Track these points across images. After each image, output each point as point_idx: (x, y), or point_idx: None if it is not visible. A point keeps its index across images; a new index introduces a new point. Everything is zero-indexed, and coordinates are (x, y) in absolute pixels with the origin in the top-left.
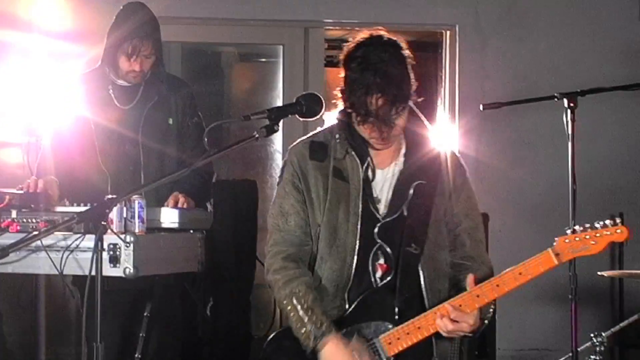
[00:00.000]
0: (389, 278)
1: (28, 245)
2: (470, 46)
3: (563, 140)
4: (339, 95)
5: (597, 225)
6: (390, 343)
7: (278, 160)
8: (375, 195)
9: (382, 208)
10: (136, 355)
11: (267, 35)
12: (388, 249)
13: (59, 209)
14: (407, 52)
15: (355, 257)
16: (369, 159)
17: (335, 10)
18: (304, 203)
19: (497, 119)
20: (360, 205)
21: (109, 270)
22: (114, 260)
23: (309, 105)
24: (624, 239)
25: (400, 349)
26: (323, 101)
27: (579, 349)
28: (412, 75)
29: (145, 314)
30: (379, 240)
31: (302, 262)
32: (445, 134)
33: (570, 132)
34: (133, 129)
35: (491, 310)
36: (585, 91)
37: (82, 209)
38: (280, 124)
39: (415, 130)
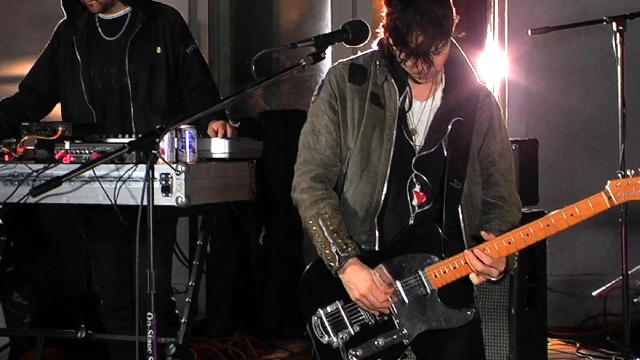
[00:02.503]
0: (426, 207)
1: (81, 175)
2: None
3: (613, 64)
4: (382, 31)
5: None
6: (436, 276)
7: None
8: (411, 126)
9: (418, 140)
10: (190, 283)
11: None
12: (426, 179)
13: (111, 139)
14: None
15: (386, 184)
16: (407, 88)
17: None
18: (337, 124)
19: (547, 44)
20: (395, 133)
21: (161, 200)
22: (166, 189)
23: (356, 31)
24: None
25: (447, 282)
26: (369, 28)
27: (629, 272)
28: (453, 11)
29: (198, 243)
30: (414, 170)
31: (329, 183)
32: (494, 61)
33: (619, 55)
34: (119, 60)
35: (516, 260)
36: (634, 14)
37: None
38: (328, 52)
39: (455, 66)
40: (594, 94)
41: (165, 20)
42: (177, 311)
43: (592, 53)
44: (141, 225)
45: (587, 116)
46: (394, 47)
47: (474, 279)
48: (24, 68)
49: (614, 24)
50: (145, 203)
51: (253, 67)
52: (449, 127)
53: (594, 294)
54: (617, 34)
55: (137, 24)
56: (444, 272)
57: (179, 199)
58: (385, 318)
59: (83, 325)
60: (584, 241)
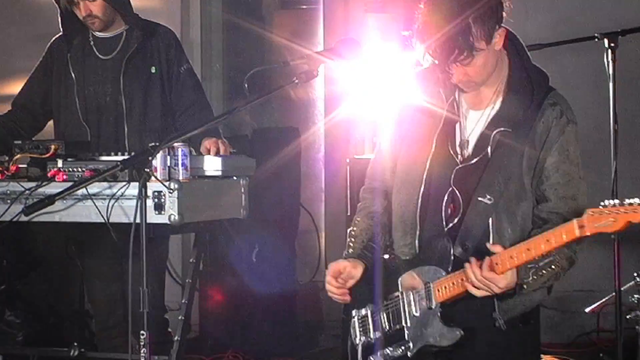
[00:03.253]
0: (453, 222)
1: (74, 193)
2: None
3: (605, 81)
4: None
5: (625, 202)
6: (439, 290)
7: (320, 107)
8: (462, 137)
9: (467, 152)
10: (182, 301)
11: None
12: (458, 193)
13: (104, 157)
14: None
15: (420, 198)
16: (453, 97)
17: None
18: (396, 141)
19: (539, 60)
20: (434, 145)
21: (153, 218)
22: (159, 207)
23: (348, 49)
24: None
25: (448, 297)
26: (361, 46)
27: (622, 289)
28: (483, 20)
29: (191, 261)
30: (452, 185)
31: (386, 193)
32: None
33: (611, 72)
34: (114, 78)
35: (531, 273)
36: (625, 31)
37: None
38: (321, 69)
39: (519, 72)
40: (585, 110)
41: (161, 40)
42: (169, 329)
43: (584, 70)
44: (134, 243)
45: (579, 133)
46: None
47: (475, 292)
48: (17, 86)
49: (606, 41)
50: (138, 221)
51: (246, 85)
52: (491, 136)
53: (587, 310)
54: (609, 51)
55: (132, 43)
56: (445, 288)
57: (172, 217)
58: (398, 327)
59: (76, 344)
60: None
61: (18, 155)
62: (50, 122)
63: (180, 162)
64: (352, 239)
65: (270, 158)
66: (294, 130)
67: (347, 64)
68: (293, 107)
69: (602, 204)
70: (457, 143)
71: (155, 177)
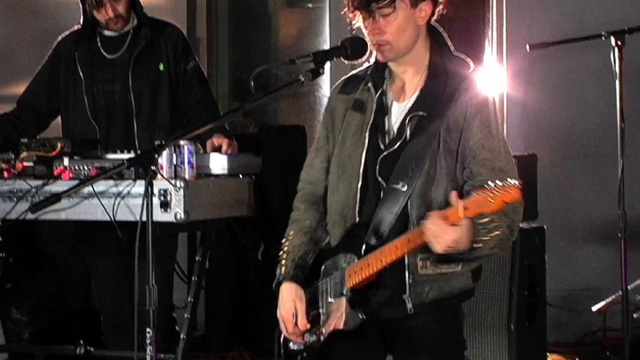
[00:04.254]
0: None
1: (80, 191)
2: None
3: (611, 79)
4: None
5: (500, 183)
6: (350, 275)
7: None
8: (388, 128)
9: (388, 141)
10: (188, 299)
11: None
12: (381, 180)
13: (110, 155)
14: None
15: (359, 190)
16: (381, 89)
17: None
18: (327, 139)
19: (545, 59)
20: (367, 136)
21: (159, 216)
22: (165, 205)
23: (354, 47)
24: (512, 199)
25: (359, 279)
26: (368, 43)
27: (629, 287)
28: None
29: (197, 259)
30: (378, 176)
31: (317, 197)
32: (493, 76)
33: (617, 70)
34: (122, 77)
35: (483, 238)
36: (632, 29)
37: (132, 155)
38: (327, 67)
39: (439, 63)
40: (592, 108)
41: (168, 38)
42: (177, 327)
43: (590, 68)
44: (141, 241)
45: (586, 131)
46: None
47: (434, 243)
48: (22, 85)
49: (613, 39)
50: (144, 219)
51: (252, 83)
52: (406, 122)
53: (593, 309)
54: (616, 49)
55: (140, 41)
56: (355, 273)
57: (178, 215)
58: (314, 313)
59: (82, 342)
60: (583, 256)
61: (24, 154)
62: (55, 121)
63: (186, 160)
64: (285, 255)
65: (276, 156)
66: (300, 128)
67: (353, 62)
68: (299, 105)
69: (485, 185)
70: (385, 134)
71: (162, 175)
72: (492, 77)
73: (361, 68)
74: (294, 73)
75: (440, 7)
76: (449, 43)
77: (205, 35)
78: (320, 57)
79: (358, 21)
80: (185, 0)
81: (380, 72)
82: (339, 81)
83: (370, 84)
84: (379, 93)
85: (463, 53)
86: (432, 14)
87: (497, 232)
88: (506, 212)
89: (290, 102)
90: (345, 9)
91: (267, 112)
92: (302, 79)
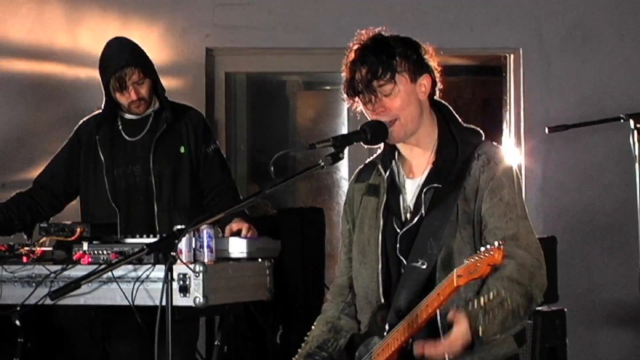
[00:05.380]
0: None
1: (99, 277)
2: (535, 68)
3: (631, 161)
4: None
5: (484, 247)
6: (375, 358)
7: (344, 187)
8: (404, 206)
9: (406, 218)
10: None
11: (330, 63)
12: (402, 259)
13: (129, 240)
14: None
15: (380, 273)
16: (390, 170)
17: None
18: (348, 230)
19: (564, 141)
20: (382, 218)
21: (179, 300)
22: (184, 290)
23: (374, 132)
24: (495, 261)
25: (387, 356)
26: (388, 126)
27: None
28: (407, 55)
29: (216, 343)
30: (399, 255)
31: (343, 288)
32: (511, 158)
33: (637, 153)
34: (143, 159)
35: (483, 320)
36: None
37: (151, 240)
38: (346, 151)
39: (448, 135)
40: (612, 190)
41: (189, 121)
42: None
43: (609, 150)
44: (161, 326)
45: (606, 213)
46: (346, 94)
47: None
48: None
49: (631, 122)
50: (163, 304)
51: (272, 168)
52: (422, 195)
53: None
54: (635, 132)
55: (162, 123)
56: (379, 355)
57: (197, 299)
58: None
59: None
60: (604, 339)
61: (44, 239)
62: (73, 204)
63: (205, 244)
64: (303, 344)
65: (295, 238)
66: (318, 211)
67: (373, 146)
68: (317, 186)
69: (478, 250)
70: (401, 213)
71: (181, 260)
72: (511, 159)
73: (375, 155)
74: (313, 156)
75: (439, 83)
76: (456, 116)
77: (224, 118)
78: (340, 142)
79: (358, 107)
80: (204, 83)
81: (389, 154)
82: (356, 171)
83: (379, 166)
84: (388, 173)
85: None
86: (433, 88)
87: (502, 310)
88: (520, 279)
89: (308, 184)
90: (345, 97)
91: (285, 194)
92: (322, 164)
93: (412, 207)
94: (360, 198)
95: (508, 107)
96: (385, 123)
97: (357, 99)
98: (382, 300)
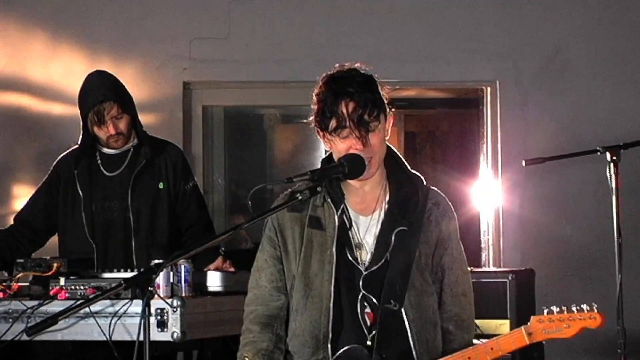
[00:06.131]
0: (372, 332)
1: (77, 312)
2: (512, 101)
3: (607, 193)
4: (314, 125)
5: (573, 308)
6: None
7: None
8: (356, 242)
9: (365, 256)
10: None
11: (308, 96)
12: (374, 299)
13: (106, 275)
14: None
15: (332, 307)
16: (343, 205)
17: (375, 70)
18: (278, 258)
19: (541, 173)
20: (335, 253)
21: (157, 335)
22: (162, 324)
23: (352, 165)
24: (597, 326)
25: None
26: (366, 162)
27: None
28: (384, 98)
29: None
30: (362, 290)
31: (272, 319)
32: (488, 190)
33: (614, 185)
34: (122, 195)
35: None
36: (627, 144)
37: (128, 274)
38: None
39: (398, 174)
40: (589, 222)
41: (168, 157)
42: None
43: (586, 182)
44: None
45: (583, 245)
46: (323, 126)
47: None
48: (21, 204)
49: (608, 154)
50: (141, 339)
51: (249, 202)
52: (392, 238)
53: None
54: (612, 164)
55: (140, 159)
56: None
57: (175, 334)
58: None
59: None
60: None
61: (20, 274)
62: (52, 240)
63: (183, 279)
64: None
65: None
66: None
67: (350, 179)
68: None
69: (545, 310)
70: (354, 248)
71: (159, 295)
72: (488, 191)
73: (297, 186)
74: (290, 189)
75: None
76: (400, 157)
77: (202, 151)
78: (318, 175)
79: (332, 140)
80: (181, 117)
81: (336, 188)
82: (280, 198)
83: (328, 200)
84: (340, 209)
85: (458, 167)
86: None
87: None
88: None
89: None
90: (317, 129)
91: (263, 227)
92: (300, 197)
93: (371, 246)
94: (301, 229)
95: (485, 139)
96: (365, 158)
97: (333, 132)
98: (330, 335)
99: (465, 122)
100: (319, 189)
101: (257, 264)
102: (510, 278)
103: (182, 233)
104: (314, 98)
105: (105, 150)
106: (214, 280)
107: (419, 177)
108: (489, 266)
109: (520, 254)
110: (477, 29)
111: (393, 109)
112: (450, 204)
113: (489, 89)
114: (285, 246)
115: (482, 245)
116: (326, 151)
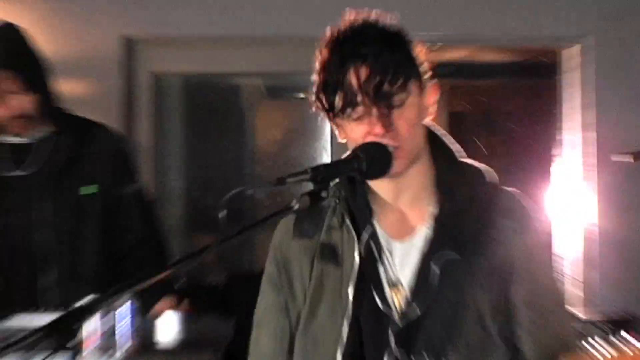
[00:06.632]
0: None
1: None
2: (607, 68)
3: None
4: (315, 104)
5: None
6: None
7: None
8: (389, 278)
9: (401, 299)
10: None
11: (305, 59)
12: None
13: (16, 321)
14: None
15: None
16: (370, 225)
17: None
18: (282, 306)
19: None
20: (351, 298)
21: None
22: None
23: (373, 160)
24: None
25: None
26: (391, 152)
27: None
28: (418, 60)
29: None
30: (394, 349)
31: None
32: (568, 198)
33: None
34: (32, 204)
35: None
36: None
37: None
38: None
39: (451, 171)
40: None
41: (101, 148)
42: None
43: None
44: None
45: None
46: (326, 105)
47: None
48: None
49: None
50: None
51: (222, 214)
52: (431, 270)
53: None
54: None
55: (62, 152)
56: None
57: None
58: None
59: None
60: None
61: None
62: None
63: (123, 327)
64: None
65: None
66: None
67: (371, 179)
68: None
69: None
70: (385, 288)
71: (88, 349)
72: (568, 199)
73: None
74: (281, 195)
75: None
76: (451, 144)
77: (152, 140)
78: (322, 175)
79: (343, 125)
80: (121, 89)
81: (359, 200)
82: (283, 220)
83: (345, 218)
84: (368, 235)
85: (525, 163)
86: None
87: None
88: None
89: (269, 238)
90: (321, 109)
91: (241, 251)
92: (296, 207)
93: (411, 283)
94: (309, 264)
95: (564, 123)
96: (390, 148)
97: (341, 113)
98: None
99: (536, 97)
100: (323, 193)
101: (256, 315)
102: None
103: (119, 258)
104: (316, 65)
105: (13, 138)
106: (167, 330)
107: (481, 171)
108: (570, 307)
109: (618, 290)
110: None
111: (434, 78)
112: (533, 208)
113: (572, 49)
114: (292, 289)
115: (561, 275)
116: (333, 139)
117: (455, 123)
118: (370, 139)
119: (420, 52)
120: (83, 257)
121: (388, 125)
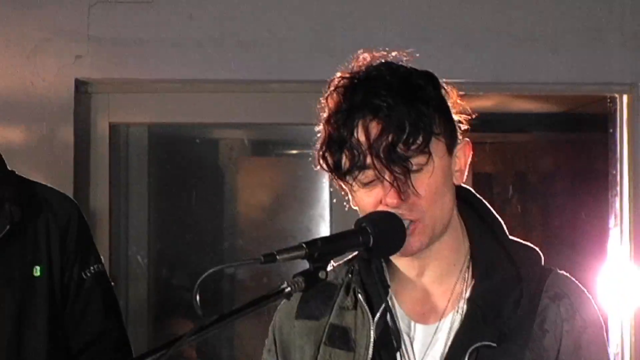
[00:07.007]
0: None
1: None
2: None
3: None
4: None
5: None
6: None
7: None
8: None
9: None
10: None
11: (299, 107)
12: None
13: None
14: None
15: None
16: (387, 305)
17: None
18: None
19: None
20: None
21: None
22: None
23: (381, 235)
24: None
25: None
26: (406, 226)
27: None
28: (442, 109)
29: None
30: None
31: None
32: (625, 279)
33: None
34: None
35: None
36: None
37: None
38: (331, 267)
39: (489, 247)
40: None
41: (52, 219)
42: None
43: None
44: None
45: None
46: (331, 164)
47: None
48: None
49: None
50: None
51: (197, 298)
52: (466, 358)
53: None
54: None
55: (2, 224)
56: None
57: None
58: None
59: None
60: None
61: None
62: None
63: None
64: None
65: None
66: None
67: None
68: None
69: None
70: None
71: None
72: (625, 280)
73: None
74: (268, 275)
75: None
76: (495, 214)
77: (107, 207)
78: (320, 251)
79: (353, 190)
80: (72, 144)
81: (378, 274)
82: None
83: (359, 296)
84: (381, 312)
85: (568, 235)
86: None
87: None
88: None
89: (255, 323)
90: (334, 167)
91: (221, 340)
92: (289, 289)
93: None
94: (315, 346)
95: (619, 186)
96: (404, 220)
97: (348, 175)
98: None
99: (583, 155)
100: (321, 274)
101: None
102: None
103: (72, 356)
104: (322, 114)
105: None
106: None
107: (528, 249)
108: None
109: None
110: None
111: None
112: (587, 297)
113: (625, 97)
114: None
115: None
116: (332, 205)
117: (481, 184)
118: (381, 207)
119: (454, 103)
120: (28, 350)
121: (404, 193)
